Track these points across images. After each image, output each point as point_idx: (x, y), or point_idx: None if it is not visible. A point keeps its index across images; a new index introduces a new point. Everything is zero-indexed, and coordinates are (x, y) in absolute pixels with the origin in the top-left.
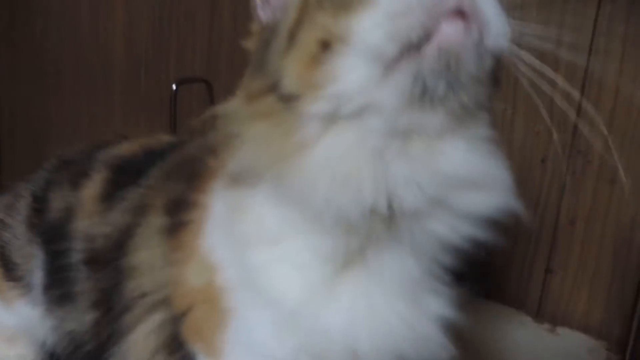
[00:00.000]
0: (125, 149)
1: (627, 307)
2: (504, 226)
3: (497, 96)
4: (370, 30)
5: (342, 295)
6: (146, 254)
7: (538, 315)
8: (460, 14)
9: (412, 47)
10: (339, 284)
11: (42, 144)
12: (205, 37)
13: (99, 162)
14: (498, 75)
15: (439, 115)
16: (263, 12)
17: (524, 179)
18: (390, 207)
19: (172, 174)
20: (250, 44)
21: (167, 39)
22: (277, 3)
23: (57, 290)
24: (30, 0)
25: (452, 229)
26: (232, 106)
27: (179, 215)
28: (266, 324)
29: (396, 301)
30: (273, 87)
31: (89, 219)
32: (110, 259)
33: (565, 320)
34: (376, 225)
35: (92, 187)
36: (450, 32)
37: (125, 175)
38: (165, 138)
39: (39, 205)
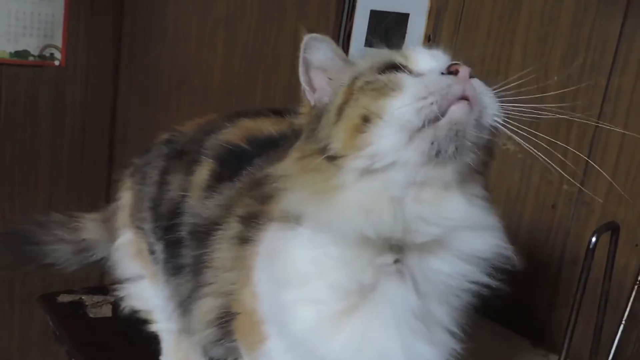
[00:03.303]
0: (232, 135)
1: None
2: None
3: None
4: (401, 109)
5: (346, 329)
6: (220, 254)
7: (537, 342)
8: (465, 98)
9: (431, 121)
10: (346, 319)
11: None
12: (287, 72)
13: (208, 151)
14: (492, 148)
15: (448, 171)
16: (310, 98)
17: (536, 220)
18: (401, 241)
19: (255, 188)
20: (301, 120)
21: (255, 72)
22: (322, 92)
23: (171, 262)
24: (150, 33)
25: (452, 267)
26: (286, 165)
27: (249, 230)
28: (283, 351)
29: (389, 340)
30: (322, 150)
31: (196, 200)
32: (203, 239)
33: (559, 349)
34: (387, 260)
35: (201, 174)
36: (458, 111)
37: (226, 169)
38: (270, 125)
39: (156, 203)
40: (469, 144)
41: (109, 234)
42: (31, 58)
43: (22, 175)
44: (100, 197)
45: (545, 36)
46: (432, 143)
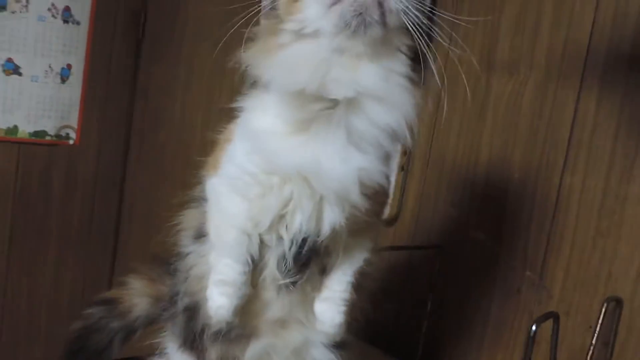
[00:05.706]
0: None
1: None
2: None
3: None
4: None
5: (291, 141)
6: None
7: None
8: None
9: None
10: (291, 136)
11: (155, 228)
12: None
13: None
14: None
15: (358, 43)
16: None
17: (503, 304)
18: (319, 96)
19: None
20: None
21: None
22: None
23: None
24: (159, 117)
25: (366, 127)
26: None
27: None
28: (243, 149)
29: (324, 149)
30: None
31: None
32: None
33: None
34: (320, 107)
35: None
36: None
37: None
38: None
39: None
40: (374, 21)
41: (158, 301)
42: (48, 137)
43: (31, 249)
44: (105, 272)
45: (506, 141)
46: (340, 16)
